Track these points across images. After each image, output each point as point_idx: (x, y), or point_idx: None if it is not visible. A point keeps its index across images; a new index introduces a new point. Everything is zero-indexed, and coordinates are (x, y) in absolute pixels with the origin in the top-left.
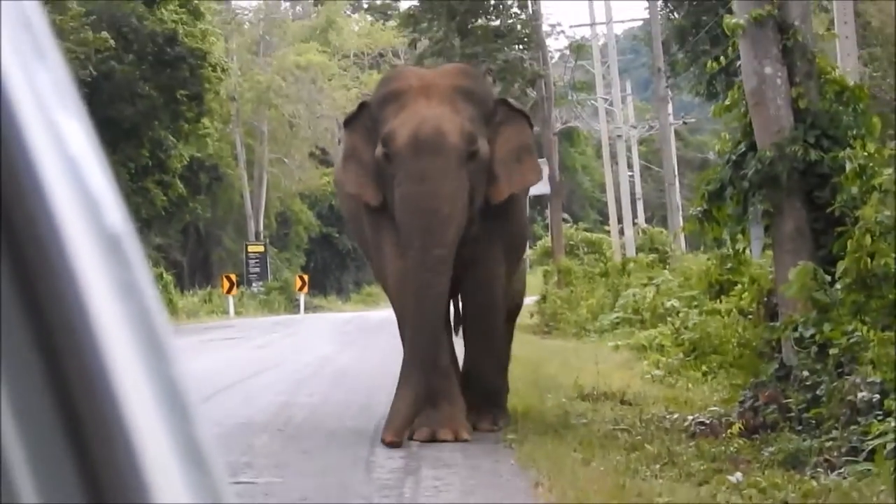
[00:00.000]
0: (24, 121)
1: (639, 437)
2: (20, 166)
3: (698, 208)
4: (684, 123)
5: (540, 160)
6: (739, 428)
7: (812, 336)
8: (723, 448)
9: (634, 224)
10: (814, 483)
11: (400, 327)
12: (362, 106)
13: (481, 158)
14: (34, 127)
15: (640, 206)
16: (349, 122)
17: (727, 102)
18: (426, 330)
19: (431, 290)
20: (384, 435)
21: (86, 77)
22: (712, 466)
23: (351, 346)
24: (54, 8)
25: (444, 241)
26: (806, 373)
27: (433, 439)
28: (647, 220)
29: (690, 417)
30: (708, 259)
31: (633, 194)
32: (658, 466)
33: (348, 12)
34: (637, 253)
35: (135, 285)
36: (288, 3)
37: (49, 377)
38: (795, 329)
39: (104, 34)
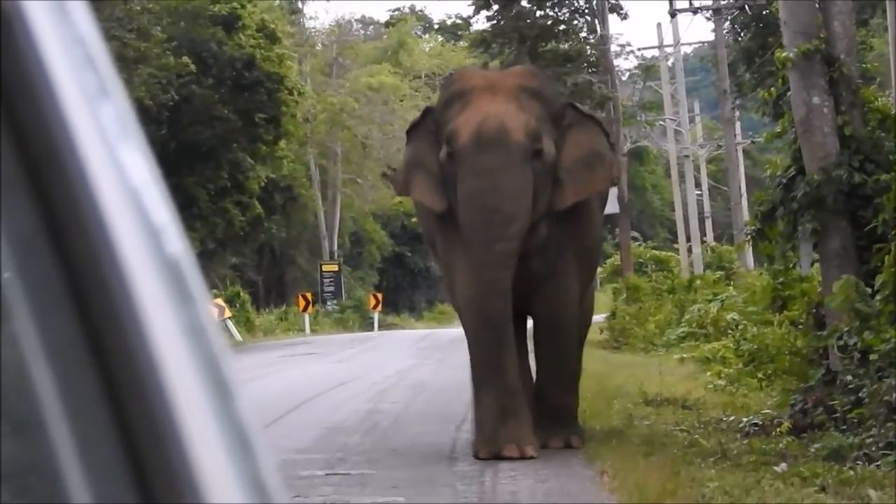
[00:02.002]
0: (88, 154)
1: (696, 436)
2: (83, 198)
3: (752, 227)
4: (752, 143)
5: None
6: (788, 427)
7: (855, 343)
8: (773, 445)
9: (703, 242)
10: (851, 473)
11: (469, 343)
12: (426, 112)
13: (546, 159)
14: (97, 159)
15: (708, 224)
16: (412, 130)
17: (778, 129)
18: (491, 328)
19: (495, 286)
20: (477, 450)
21: (167, 101)
22: (761, 459)
23: (426, 361)
24: (139, 35)
25: (507, 235)
26: (850, 377)
27: (499, 456)
28: (717, 239)
29: (745, 419)
30: (760, 274)
31: (701, 213)
32: (712, 460)
33: (419, 33)
34: (705, 270)
35: (196, 318)
36: (360, 25)
37: (114, 418)
38: (840, 337)
39: (185, 59)
